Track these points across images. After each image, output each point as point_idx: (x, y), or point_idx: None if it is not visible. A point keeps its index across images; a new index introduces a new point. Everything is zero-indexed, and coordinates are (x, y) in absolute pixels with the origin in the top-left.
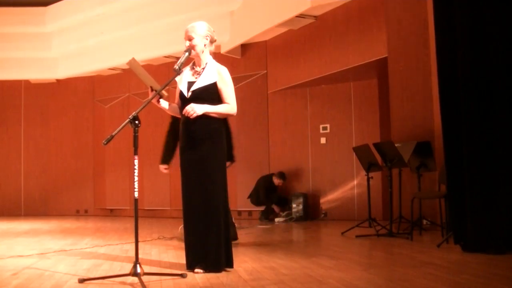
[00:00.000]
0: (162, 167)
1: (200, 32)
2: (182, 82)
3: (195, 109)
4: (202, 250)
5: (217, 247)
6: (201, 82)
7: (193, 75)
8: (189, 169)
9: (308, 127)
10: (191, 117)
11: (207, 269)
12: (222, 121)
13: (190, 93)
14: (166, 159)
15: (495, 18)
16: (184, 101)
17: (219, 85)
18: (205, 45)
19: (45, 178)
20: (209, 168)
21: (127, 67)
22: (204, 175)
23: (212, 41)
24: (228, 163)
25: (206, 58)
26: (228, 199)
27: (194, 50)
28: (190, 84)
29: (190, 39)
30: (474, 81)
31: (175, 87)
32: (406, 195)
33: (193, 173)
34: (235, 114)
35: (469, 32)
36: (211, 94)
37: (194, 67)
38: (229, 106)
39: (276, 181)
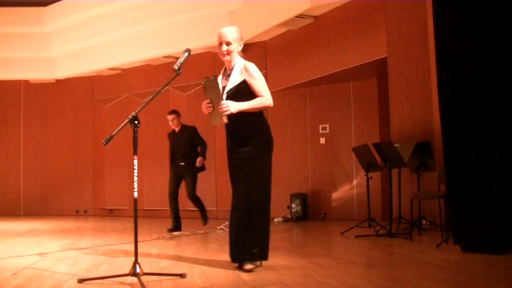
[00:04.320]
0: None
1: (237, 37)
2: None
3: (230, 107)
4: (249, 244)
5: (263, 240)
6: (231, 83)
7: (225, 79)
8: (234, 166)
9: (307, 127)
10: (224, 113)
11: (253, 260)
12: (261, 115)
13: (225, 96)
14: None
15: (494, 18)
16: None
17: (248, 81)
18: (238, 51)
19: (45, 178)
20: (252, 163)
21: (126, 67)
22: (249, 171)
23: (242, 45)
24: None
25: (235, 60)
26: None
27: (229, 55)
28: (223, 88)
29: (228, 44)
30: (474, 81)
31: (175, 88)
32: (406, 195)
33: (238, 170)
34: (272, 105)
35: (468, 32)
36: (243, 92)
37: (225, 71)
38: (263, 98)
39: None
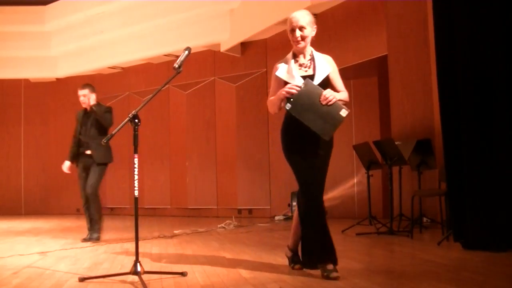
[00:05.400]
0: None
1: (310, 20)
2: (294, 79)
3: (335, 94)
4: (327, 246)
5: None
6: (320, 74)
7: (301, 68)
8: (310, 164)
9: None
10: (330, 103)
11: (335, 264)
12: None
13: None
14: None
15: (494, 18)
16: None
17: (331, 75)
18: (312, 35)
19: (46, 177)
20: (326, 164)
21: (126, 65)
22: (324, 172)
23: (315, 30)
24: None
25: (310, 48)
26: None
27: (304, 41)
28: (308, 78)
29: (301, 29)
30: (474, 81)
31: (175, 86)
32: (406, 193)
33: (313, 169)
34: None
35: (468, 32)
36: (326, 85)
37: (297, 59)
38: (346, 93)
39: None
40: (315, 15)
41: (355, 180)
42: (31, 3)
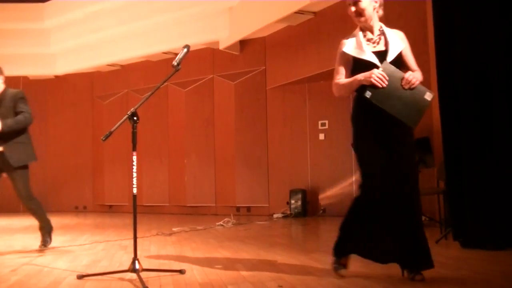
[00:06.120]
0: None
1: None
2: (364, 53)
3: (417, 76)
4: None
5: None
6: (394, 50)
7: (373, 44)
8: (395, 156)
9: (306, 123)
10: (413, 86)
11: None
12: None
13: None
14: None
15: (494, 18)
16: None
17: (405, 52)
18: (374, 8)
19: (44, 174)
20: (414, 154)
21: (125, 63)
22: (413, 165)
23: (381, 4)
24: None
25: (378, 23)
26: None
27: (363, 16)
28: (378, 54)
29: (355, 3)
30: (474, 81)
31: (174, 84)
32: None
33: (401, 158)
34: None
35: (468, 32)
36: (399, 63)
37: (365, 34)
38: (420, 73)
39: None
40: (314, 13)
41: (354, 178)
42: (30, 0)
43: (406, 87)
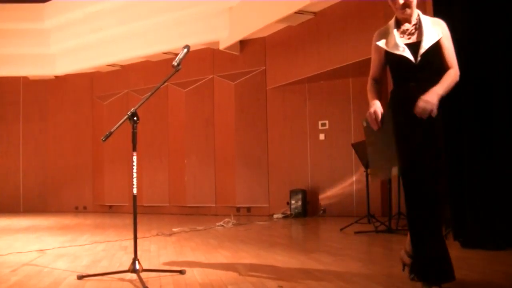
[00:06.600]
0: None
1: None
2: (396, 46)
3: (428, 105)
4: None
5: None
6: (428, 41)
7: (403, 36)
8: (422, 150)
9: (306, 124)
10: (424, 117)
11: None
12: None
13: (419, 58)
14: None
15: (494, 17)
16: (409, 69)
17: (442, 41)
18: None
19: (44, 175)
20: (440, 145)
21: (125, 63)
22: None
23: None
24: None
25: (416, 11)
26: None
27: (410, 8)
28: (412, 46)
29: None
30: (474, 81)
31: (174, 84)
32: None
33: (428, 151)
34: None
35: (468, 32)
36: (438, 54)
37: (401, 26)
38: (453, 72)
39: None
40: (314, 13)
41: (354, 178)
42: (30, 0)
43: (421, 115)
